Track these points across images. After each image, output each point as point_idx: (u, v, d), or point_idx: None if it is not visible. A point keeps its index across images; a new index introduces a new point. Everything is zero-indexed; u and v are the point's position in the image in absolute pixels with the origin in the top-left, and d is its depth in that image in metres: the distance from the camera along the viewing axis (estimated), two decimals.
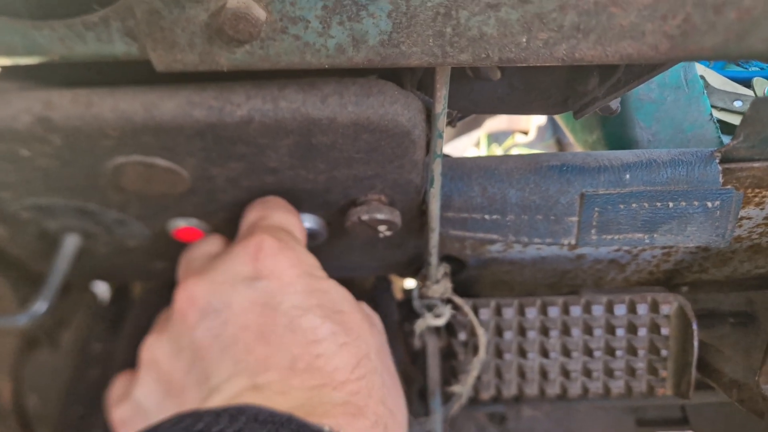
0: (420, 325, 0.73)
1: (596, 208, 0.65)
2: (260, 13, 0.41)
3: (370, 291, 0.89)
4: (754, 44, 0.44)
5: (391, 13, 0.42)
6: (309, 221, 0.65)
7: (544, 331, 0.76)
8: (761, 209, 0.72)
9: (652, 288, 0.79)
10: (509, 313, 0.75)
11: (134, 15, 0.43)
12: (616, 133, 0.87)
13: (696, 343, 0.74)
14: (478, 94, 0.67)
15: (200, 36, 0.44)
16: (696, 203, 0.65)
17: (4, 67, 0.54)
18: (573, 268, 0.84)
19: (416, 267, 0.81)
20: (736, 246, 0.79)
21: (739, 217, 0.73)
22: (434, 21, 0.43)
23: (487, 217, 0.67)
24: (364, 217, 0.60)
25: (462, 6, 0.42)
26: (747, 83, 1.15)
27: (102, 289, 0.99)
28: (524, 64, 0.46)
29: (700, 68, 1.15)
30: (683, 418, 0.99)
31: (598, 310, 0.75)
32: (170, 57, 0.45)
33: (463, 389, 0.72)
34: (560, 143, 2.15)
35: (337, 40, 0.44)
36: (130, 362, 0.81)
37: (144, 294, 0.91)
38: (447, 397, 0.78)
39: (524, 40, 0.44)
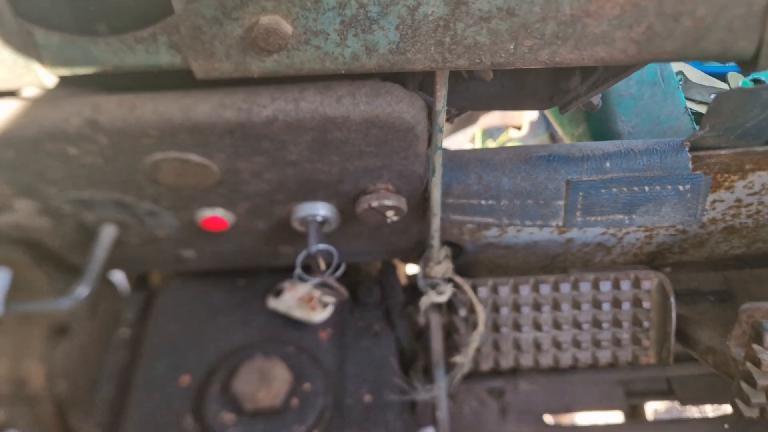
0: (425, 301, 0.80)
1: (581, 193, 0.73)
2: (288, 28, 0.49)
3: (377, 275, 0.97)
4: (708, 47, 0.52)
5: (399, 26, 0.50)
6: (324, 209, 0.73)
7: (537, 306, 0.84)
8: (731, 192, 0.79)
9: (635, 266, 0.87)
10: (505, 291, 0.83)
11: (179, 31, 0.51)
12: (600, 127, 0.95)
13: (674, 315, 0.81)
14: (474, 93, 0.74)
15: (236, 48, 0.51)
16: (669, 187, 0.73)
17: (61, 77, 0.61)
18: (563, 252, 0.91)
19: (419, 252, 0.89)
20: (712, 228, 0.87)
21: (711, 200, 0.80)
22: (435, 32, 0.50)
23: (483, 202, 0.75)
24: (374, 204, 0.68)
25: (459, 19, 0.50)
26: (724, 77, 1.23)
27: (119, 278, 1.06)
28: (512, 68, 0.53)
29: (679, 64, 1.23)
30: (669, 389, 1.07)
31: (585, 286, 0.83)
32: (209, 66, 0.52)
33: (464, 360, 0.80)
34: (553, 138, 2.22)
35: (352, 49, 0.51)
36: (157, 346, 0.89)
37: (166, 283, 0.98)
38: (450, 368, 0.85)
39: (512, 47, 0.52)
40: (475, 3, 0.49)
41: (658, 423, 1.06)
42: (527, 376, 1.01)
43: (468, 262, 0.95)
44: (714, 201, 0.81)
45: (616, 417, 1.16)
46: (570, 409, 1.06)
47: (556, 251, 0.90)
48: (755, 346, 0.69)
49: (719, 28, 0.51)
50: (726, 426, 1.02)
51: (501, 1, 0.49)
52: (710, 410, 1.28)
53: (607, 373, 1.05)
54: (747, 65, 0.55)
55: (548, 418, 1.04)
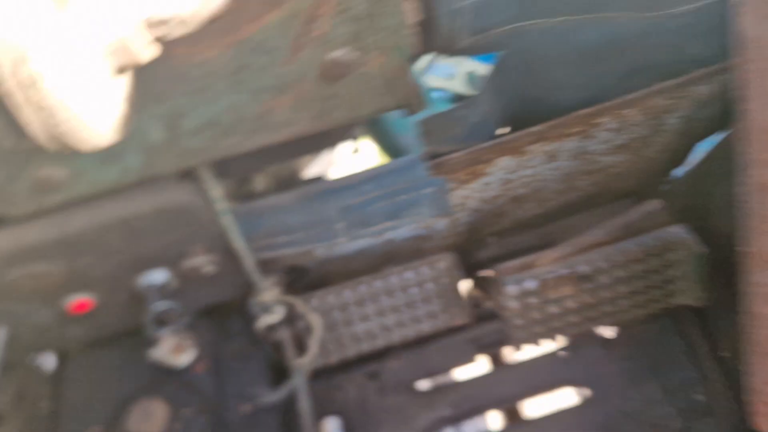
0: (259, 324, 1.01)
1: (353, 213, 0.94)
2: (60, 173, 0.69)
3: (239, 308, 1.17)
4: (365, 111, 0.73)
5: (139, 152, 0.70)
6: (159, 275, 0.93)
7: (360, 303, 1.05)
8: (491, 176, 1.01)
9: (435, 252, 1.08)
10: (331, 297, 1.04)
11: None
12: (390, 145, 1.17)
13: (461, 284, 1.03)
14: (255, 156, 0.94)
15: (31, 192, 0.71)
16: (417, 193, 0.94)
17: None
18: (390, 250, 1.12)
19: None
20: (500, 202, 1.08)
21: (484, 183, 1.02)
22: (168, 148, 0.71)
23: (282, 238, 0.96)
24: (189, 264, 0.88)
25: (179, 136, 0.70)
26: None
27: (49, 359, 1.24)
28: (234, 155, 0.74)
29: (470, 63, 1.45)
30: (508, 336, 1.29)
31: (394, 278, 1.04)
32: (18, 209, 0.72)
33: (307, 361, 1.00)
34: None
35: (114, 174, 0.72)
36: (70, 410, 1.07)
37: (75, 355, 1.17)
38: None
39: (229, 142, 0.72)
40: (186, 124, 0.69)
41: (513, 365, 1.28)
42: (394, 355, 1.23)
43: (318, 276, 1.16)
44: (485, 184, 1.02)
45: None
46: (435, 372, 1.28)
47: (384, 250, 1.11)
48: (500, 297, 0.91)
49: (364, 97, 0.72)
50: (562, 353, 1.25)
51: (204, 118, 0.70)
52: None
53: (459, 334, 1.27)
54: (410, 110, 0.77)
55: (421, 384, 1.25)
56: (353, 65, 0.69)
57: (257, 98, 0.69)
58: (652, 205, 0.98)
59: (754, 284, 0.68)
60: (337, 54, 0.68)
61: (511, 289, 0.91)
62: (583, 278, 0.92)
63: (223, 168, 0.85)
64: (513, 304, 0.92)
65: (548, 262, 0.94)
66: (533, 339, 0.97)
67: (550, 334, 0.97)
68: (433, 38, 0.81)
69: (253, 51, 0.66)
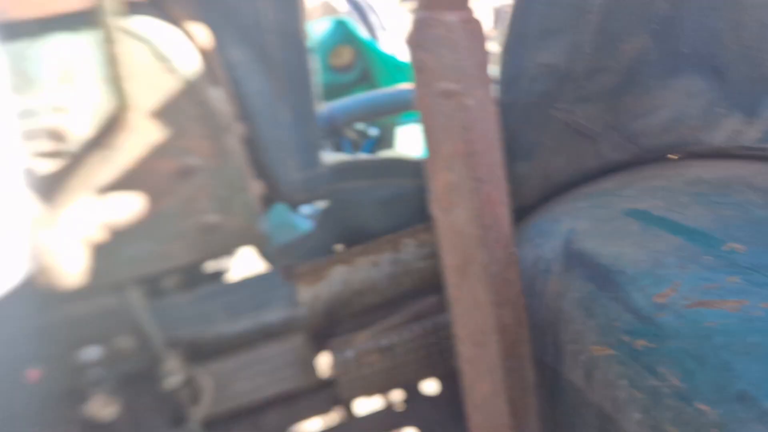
0: (164, 386, 1.43)
1: (228, 308, 1.40)
2: None
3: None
4: (229, 249, 1.20)
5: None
6: (95, 351, 1.35)
7: (238, 369, 1.49)
8: (331, 278, 1.48)
9: (305, 329, 1.53)
10: (216, 366, 1.47)
11: None
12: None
13: (313, 354, 1.49)
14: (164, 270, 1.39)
15: None
16: (272, 293, 1.41)
17: None
18: (271, 328, 1.57)
19: None
20: (345, 295, 1.55)
21: (328, 283, 1.49)
22: (107, 271, 1.15)
23: (183, 325, 1.40)
24: (117, 345, 1.31)
25: (116, 264, 1.15)
26: None
27: None
28: (149, 274, 1.19)
29: None
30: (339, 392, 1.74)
31: (263, 350, 1.49)
32: None
33: (197, 411, 1.43)
34: None
35: None
36: None
37: None
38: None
39: (145, 268, 1.18)
40: (118, 257, 1.15)
41: (362, 415, 1.72)
42: (273, 407, 1.65)
43: (220, 348, 1.59)
44: (329, 284, 1.49)
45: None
46: (303, 420, 1.71)
47: (266, 329, 1.55)
48: (331, 364, 1.38)
49: (228, 241, 1.19)
50: (400, 403, 1.70)
51: (129, 253, 1.15)
52: None
53: (323, 390, 1.71)
54: (259, 247, 1.24)
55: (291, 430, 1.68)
56: (220, 224, 1.17)
57: (161, 243, 1.16)
58: (433, 298, 1.48)
59: (459, 354, 1.16)
60: (210, 218, 1.15)
61: (337, 358, 1.38)
62: (384, 350, 1.40)
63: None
64: (338, 369, 1.38)
65: (362, 339, 1.41)
66: (355, 393, 1.43)
67: (366, 390, 1.43)
68: (278, 198, 1.30)
69: (162, 218, 1.13)
